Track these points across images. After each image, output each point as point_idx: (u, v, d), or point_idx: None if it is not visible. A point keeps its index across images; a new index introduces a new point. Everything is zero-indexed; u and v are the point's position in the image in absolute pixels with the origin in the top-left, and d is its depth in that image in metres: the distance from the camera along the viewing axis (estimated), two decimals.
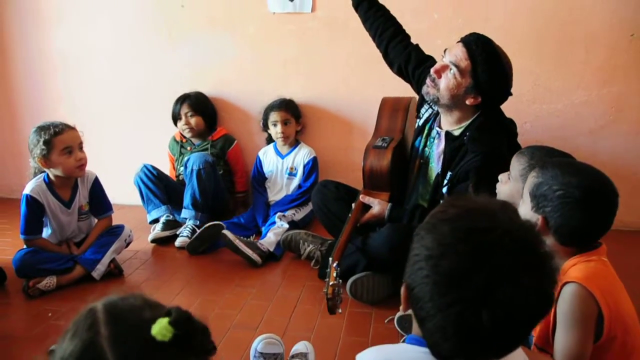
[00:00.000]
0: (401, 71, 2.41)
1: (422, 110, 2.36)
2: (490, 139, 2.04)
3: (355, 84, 3.13)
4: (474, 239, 0.77)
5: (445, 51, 2.08)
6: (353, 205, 2.29)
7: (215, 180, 3.03)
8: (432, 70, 2.08)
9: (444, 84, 2.04)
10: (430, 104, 2.26)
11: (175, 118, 3.27)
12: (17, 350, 1.96)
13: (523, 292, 0.75)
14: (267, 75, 3.27)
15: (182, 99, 3.24)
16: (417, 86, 2.34)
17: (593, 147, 2.95)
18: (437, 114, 2.26)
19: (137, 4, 3.33)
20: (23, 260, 2.36)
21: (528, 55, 2.91)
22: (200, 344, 0.69)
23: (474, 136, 2.06)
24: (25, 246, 2.45)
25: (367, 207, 2.28)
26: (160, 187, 3.05)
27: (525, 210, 1.38)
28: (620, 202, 1.29)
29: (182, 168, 3.22)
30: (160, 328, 0.63)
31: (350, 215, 2.25)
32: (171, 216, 3.05)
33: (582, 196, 1.26)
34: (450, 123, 2.17)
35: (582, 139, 2.96)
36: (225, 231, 2.64)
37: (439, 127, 2.22)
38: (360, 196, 2.28)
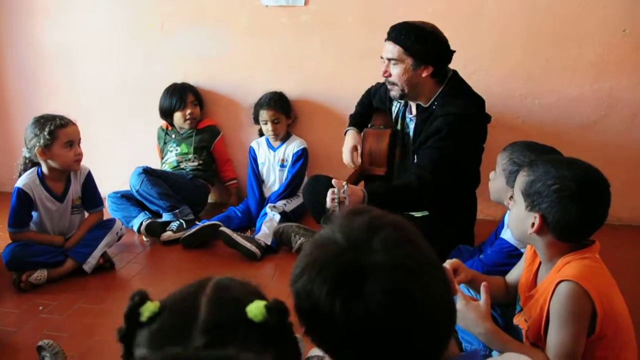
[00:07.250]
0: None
1: (394, 109, 2.54)
2: (457, 102, 2.21)
3: (348, 77, 3.12)
4: (297, 287, 0.78)
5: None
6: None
7: (163, 178, 3.00)
8: (382, 75, 2.28)
9: (395, 75, 2.23)
10: (398, 101, 2.45)
11: (172, 108, 3.21)
12: (8, 344, 1.94)
13: (367, 302, 0.72)
14: (259, 68, 3.25)
15: (188, 88, 3.22)
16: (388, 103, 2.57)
17: (585, 142, 2.95)
18: (406, 105, 2.44)
19: None
20: (13, 253, 2.35)
21: (521, 51, 2.92)
22: (283, 337, 0.72)
23: (441, 102, 2.24)
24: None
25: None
26: (163, 186, 2.96)
27: (519, 211, 1.35)
28: (613, 197, 1.29)
29: (166, 157, 3.28)
30: (255, 308, 0.69)
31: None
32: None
33: (579, 188, 1.26)
34: (422, 104, 2.34)
35: (574, 134, 2.97)
36: (222, 228, 2.63)
37: (410, 114, 2.43)
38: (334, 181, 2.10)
